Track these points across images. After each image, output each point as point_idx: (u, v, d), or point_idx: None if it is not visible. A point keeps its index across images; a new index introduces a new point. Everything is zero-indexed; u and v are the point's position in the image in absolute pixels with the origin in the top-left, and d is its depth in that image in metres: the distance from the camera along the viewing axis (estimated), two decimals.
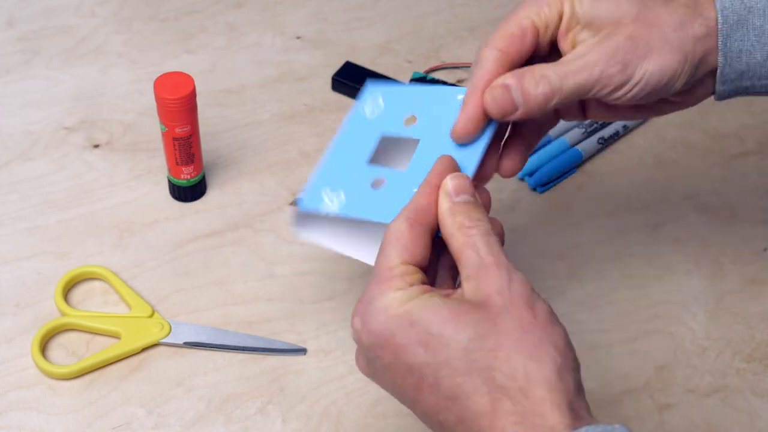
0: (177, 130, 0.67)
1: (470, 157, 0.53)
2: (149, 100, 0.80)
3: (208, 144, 0.77)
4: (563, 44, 0.54)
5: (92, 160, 0.75)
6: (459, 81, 0.84)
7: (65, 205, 0.71)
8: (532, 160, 0.76)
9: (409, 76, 0.84)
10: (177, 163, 0.69)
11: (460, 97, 0.54)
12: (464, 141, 0.53)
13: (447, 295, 0.47)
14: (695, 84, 0.54)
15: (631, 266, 0.70)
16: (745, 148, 0.80)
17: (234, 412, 0.60)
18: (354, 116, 0.57)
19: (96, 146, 0.76)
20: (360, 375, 0.62)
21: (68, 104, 0.79)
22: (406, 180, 0.53)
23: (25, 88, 0.81)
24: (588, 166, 0.78)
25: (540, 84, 0.51)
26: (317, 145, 0.78)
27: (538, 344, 0.44)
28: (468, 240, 0.47)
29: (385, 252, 0.48)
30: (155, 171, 0.74)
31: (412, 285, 0.47)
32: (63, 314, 0.64)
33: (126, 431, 0.59)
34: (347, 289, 0.68)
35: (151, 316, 0.64)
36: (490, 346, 0.43)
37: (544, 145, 0.77)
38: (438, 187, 0.49)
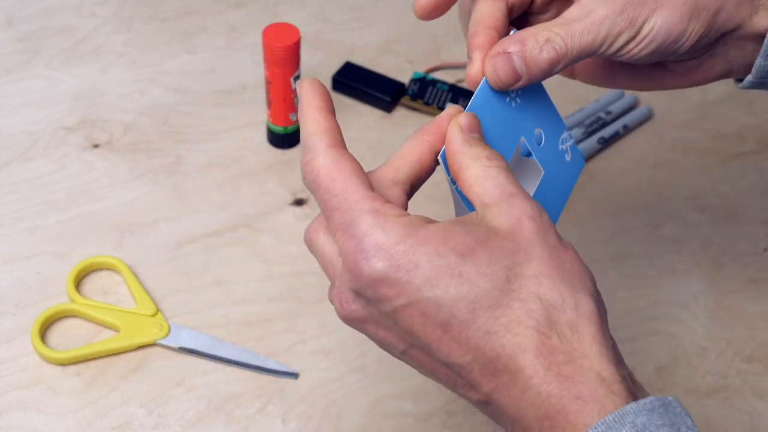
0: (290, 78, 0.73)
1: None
2: (149, 100, 0.80)
3: (208, 144, 0.77)
4: None
5: (92, 160, 0.75)
6: (459, 81, 0.84)
7: (65, 205, 0.71)
8: None
9: (409, 76, 0.84)
10: (288, 111, 0.74)
11: (563, 146, 0.50)
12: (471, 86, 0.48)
13: (459, 222, 0.40)
14: (702, 55, 0.50)
15: (631, 266, 0.70)
16: (745, 148, 0.80)
17: (234, 412, 0.60)
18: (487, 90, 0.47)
19: (96, 146, 0.76)
20: (360, 375, 0.62)
21: (68, 104, 0.79)
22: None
23: (25, 88, 0.81)
24: (588, 166, 0.78)
25: (544, 49, 0.45)
26: None
27: (580, 276, 0.39)
28: (486, 172, 0.41)
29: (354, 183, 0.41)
30: (155, 171, 0.74)
31: (405, 212, 0.40)
32: (71, 300, 0.64)
33: (126, 431, 0.59)
34: None
35: (155, 315, 0.64)
36: (533, 272, 0.38)
37: None
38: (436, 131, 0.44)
